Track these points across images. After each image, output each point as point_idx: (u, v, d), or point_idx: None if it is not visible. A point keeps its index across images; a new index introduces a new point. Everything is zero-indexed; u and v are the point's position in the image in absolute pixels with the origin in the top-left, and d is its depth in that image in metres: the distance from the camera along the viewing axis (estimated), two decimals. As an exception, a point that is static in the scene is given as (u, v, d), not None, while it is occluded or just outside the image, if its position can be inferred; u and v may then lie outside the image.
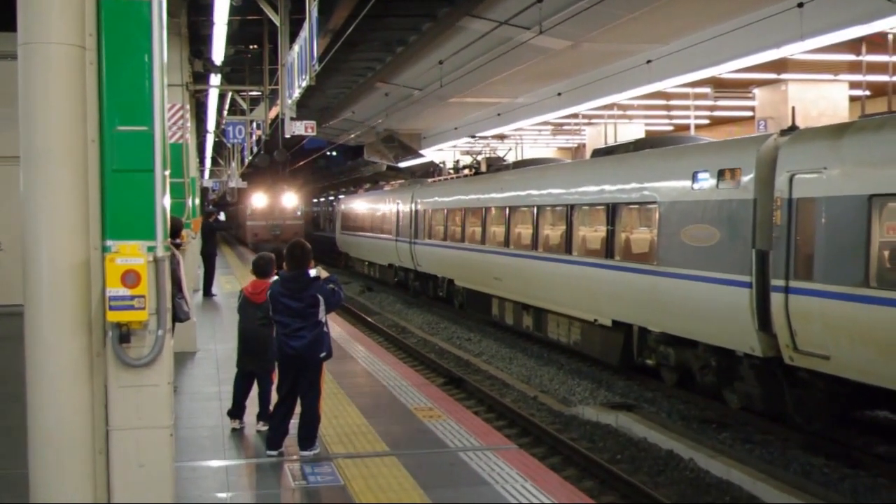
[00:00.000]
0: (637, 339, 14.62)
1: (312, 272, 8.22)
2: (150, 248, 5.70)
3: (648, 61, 21.15)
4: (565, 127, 36.07)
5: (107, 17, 5.66)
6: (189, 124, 17.81)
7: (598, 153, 17.80)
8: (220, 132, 31.10)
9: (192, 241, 19.20)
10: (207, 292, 21.77)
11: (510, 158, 26.82)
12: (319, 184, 78.93)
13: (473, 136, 32.22)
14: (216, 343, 14.58)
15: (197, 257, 22.25)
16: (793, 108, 13.46)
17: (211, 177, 49.39)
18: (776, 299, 10.92)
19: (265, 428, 8.87)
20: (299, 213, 48.45)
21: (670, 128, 34.65)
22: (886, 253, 9.91)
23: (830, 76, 23.13)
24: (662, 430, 12.07)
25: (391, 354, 15.47)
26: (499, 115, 31.63)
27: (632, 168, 15.00)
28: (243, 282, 17.44)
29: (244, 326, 9.29)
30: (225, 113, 30.09)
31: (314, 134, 17.23)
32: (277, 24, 15.31)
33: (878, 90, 23.65)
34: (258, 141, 33.24)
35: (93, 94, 5.70)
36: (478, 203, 22.11)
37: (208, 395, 10.91)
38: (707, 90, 25.42)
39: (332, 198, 53.26)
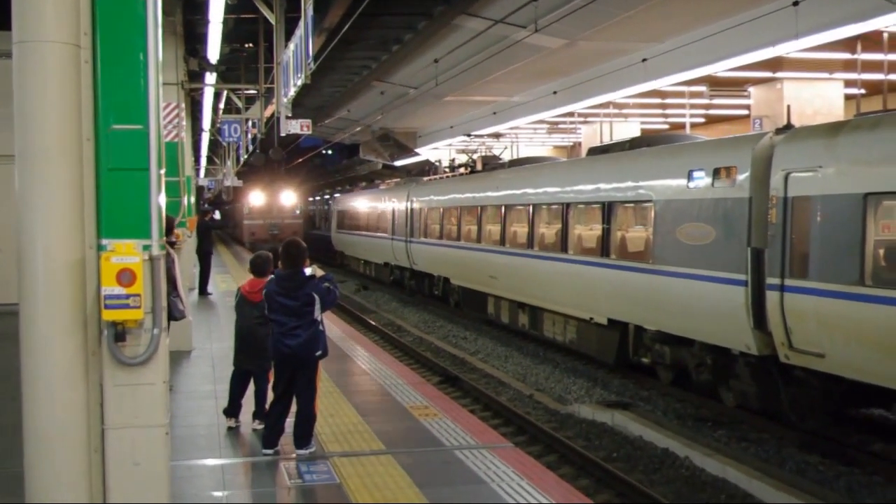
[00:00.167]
0: (633, 338, 14.64)
1: (308, 271, 8.23)
2: (146, 247, 5.70)
3: (644, 60, 21.16)
4: (561, 125, 36.06)
5: (102, 16, 5.65)
6: (184, 123, 17.79)
7: (593, 152, 17.82)
8: (216, 131, 31.06)
9: (188, 239, 19.19)
10: (203, 291, 21.75)
11: (506, 157, 26.85)
12: (315, 182, 78.88)
13: (469, 135, 32.20)
14: (212, 342, 14.57)
15: (192, 256, 22.25)
16: (788, 107, 13.49)
17: (206, 175, 49.29)
18: (772, 297, 10.93)
19: (261, 426, 8.88)
20: (298, 212, 46.98)
21: (666, 126, 34.66)
22: (881, 251, 9.92)
23: (826, 75, 23.14)
24: (658, 428, 12.08)
25: (387, 353, 15.47)
26: (494, 113, 31.63)
27: (627, 166, 15.01)
28: (239, 280, 17.45)
29: (241, 325, 9.28)
30: (220, 111, 30.05)
31: (310, 132, 17.23)
32: (273, 22, 15.29)
33: (873, 89, 23.67)
34: (254, 139, 33.21)
35: (88, 93, 5.69)
36: (473, 202, 22.11)
37: (204, 394, 10.90)
38: (702, 89, 25.42)
39: (327, 196, 52.94)
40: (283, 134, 16.42)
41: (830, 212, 10.22)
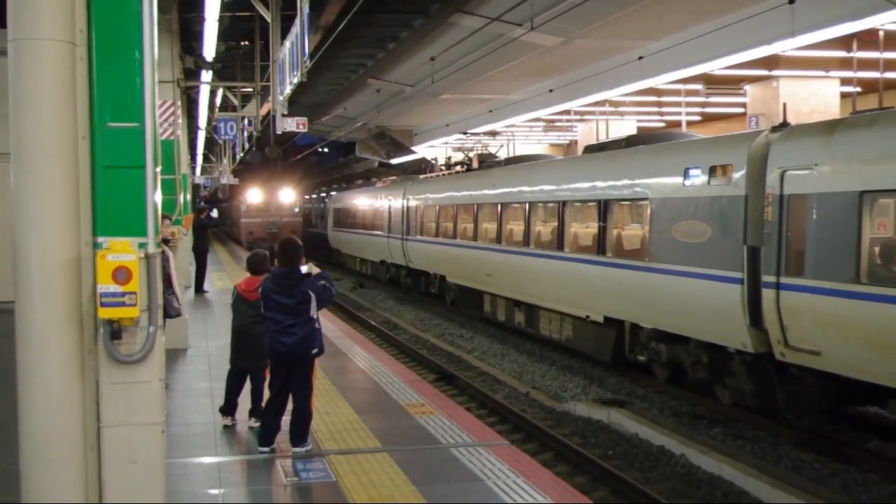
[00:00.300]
0: (629, 336, 14.65)
1: (304, 269, 8.22)
2: (142, 245, 5.70)
3: (640, 58, 21.16)
4: (557, 123, 36.11)
5: (97, 13, 5.64)
6: (180, 121, 17.75)
7: (589, 150, 17.82)
8: (212, 129, 31.02)
9: (184, 237, 19.17)
10: (199, 289, 21.74)
11: (502, 155, 26.85)
12: (311, 180, 78.80)
13: (465, 133, 32.22)
14: (208, 340, 14.56)
15: (189, 254, 22.23)
16: (784, 105, 13.48)
17: (202, 173, 49.18)
18: (767, 295, 10.95)
19: (257, 424, 8.88)
20: (297, 210, 45.60)
21: (662, 124, 34.70)
22: (877, 249, 9.94)
23: (822, 73, 23.18)
24: (654, 426, 12.09)
25: (383, 351, 15.47)
26: (490, 111, 31.63)
27: (623, 164, 15.02)
28: (235, 278, 17.43)
29: (237, 324, 9.28)
30: (216, 109, 30.03)
31: (306, 130, 17.22)
32: (269, 20, 15.28)
33: (869, 87, 23.74)
34: (250, 137, 33.17)
35: (83, 91, 5.68)
36: (469, 199, 22.11)
37: (200, 392, 10.90)
38: (699, 87, 25.46)
39: (323, 194, 52.74)
40: (279, 132, 16.41)
41: (826, 210, 10.23)
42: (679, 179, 12.89)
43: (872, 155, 9.92)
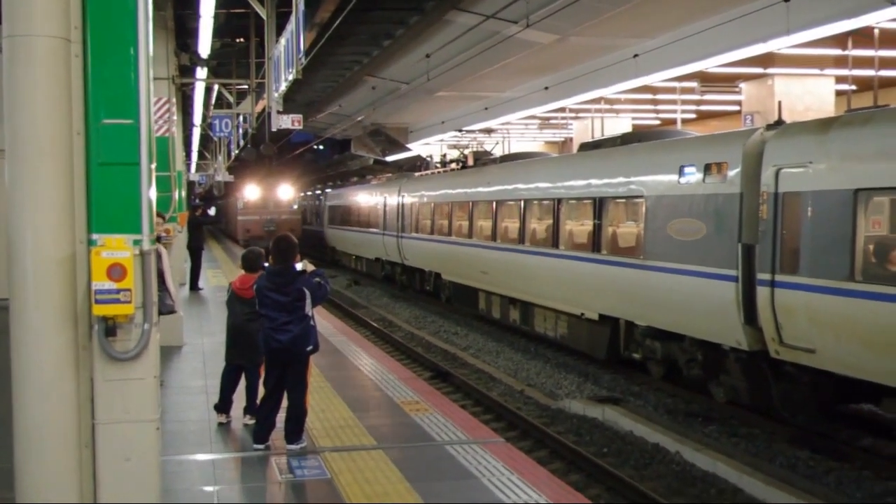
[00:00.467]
0: (624, 333, 14.67)
1: (299, 266, 8.22)
2: (136, 242, 5.69)
3: (635, 55, 21.15)
4: (552, 121, 36.09)
5: (92, 10, 5.63)
6: (175, 118, 17.74)
7: (585, 147, 17.81)
8: (207, 126, 30.99)
9: (179, 234, 19.14)
10: (194, 286, 21.71)
11: (497, 152, 26.83)
12: (306, 178, 78.69)
13: (460, 130, 32.19)
14: (203, 337, 14.55)
15: (183, 251, 22.20)
16: (779, 103, 13.48)
17: (197, 170, 49.13)
18: (762, 293, 10.96)
19: (252, 422, 8.87)
20: (295, 207, 44.15)
21: (657, 122, 34.70)
22: (871, 247, 9.96)
23: (817, 71, 23.18)
24: (649, 423, 12.10)
25: (378, 348, 15.48)
26: (486, 109, 31.60)
27: (619, 162, 15.02)
28: (230, 276, 17.41)
29: (232, 321, 9.28)
30: (211, 106, 29.99)
31: (301, 128, 17.22)
32: (264, 17, 15.28)
33: (864, 85, 23.74)
34: (245, 134, 33.14)
35: (78, 87, 5.67)
36: (465, 197, 22.11)
37: (195, 389, 10.89)
38: (694, 84, 25.44)
39: (318, 192, 52.60)
40: (274, 129, 16.41)
41: (821, 207, 10.24)
42: (674, 177, 12.90)
43: (867, 153, 9.94)
